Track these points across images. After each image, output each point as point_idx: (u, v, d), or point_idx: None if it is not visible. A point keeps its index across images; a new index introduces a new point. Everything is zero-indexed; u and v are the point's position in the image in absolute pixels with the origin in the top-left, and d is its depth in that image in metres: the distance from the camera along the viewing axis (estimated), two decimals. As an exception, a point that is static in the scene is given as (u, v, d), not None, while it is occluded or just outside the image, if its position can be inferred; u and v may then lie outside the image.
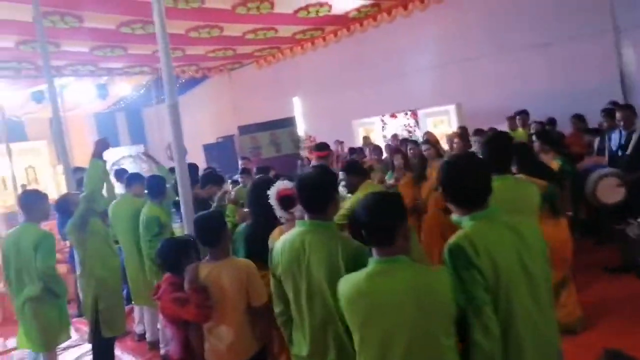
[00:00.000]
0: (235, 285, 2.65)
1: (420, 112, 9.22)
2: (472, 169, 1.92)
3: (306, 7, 9.23)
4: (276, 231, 3.00)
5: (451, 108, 8.68)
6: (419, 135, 9.13)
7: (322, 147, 6.69)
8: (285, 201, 2.93)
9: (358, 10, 10.03)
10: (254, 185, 3.41)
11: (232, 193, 4.23)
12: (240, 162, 7.98)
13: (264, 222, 3.13)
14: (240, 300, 2.67)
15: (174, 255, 2.82)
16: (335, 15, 10.03)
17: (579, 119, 6.65)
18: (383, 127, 9.85)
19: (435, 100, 9.40)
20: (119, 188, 6.07)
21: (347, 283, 1.85)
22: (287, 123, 13.13)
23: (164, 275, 2.94)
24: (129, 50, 10.18)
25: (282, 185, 2.97)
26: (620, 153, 4.82)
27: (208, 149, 13.35)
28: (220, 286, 2.67)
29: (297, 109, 12.80)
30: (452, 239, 1.84)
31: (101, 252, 4.31)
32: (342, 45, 11.50)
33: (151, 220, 4.71)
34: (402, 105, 9.79)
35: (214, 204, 4.11)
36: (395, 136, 8.86)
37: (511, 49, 8.71)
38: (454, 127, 8.39)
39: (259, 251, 2.94)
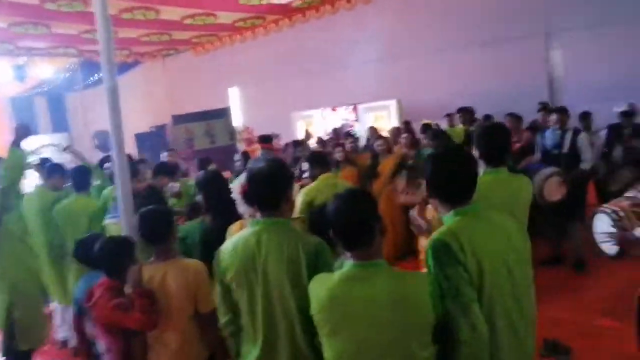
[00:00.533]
0: (182, 289, 2.43)
1: (360, 107, 9.24)
2: (459, 164, 1.84)
3: (249, -6, 8.96)
4: (236, 225, 2.78)
5: (392, 103, 8.77)
6: (359, 130, 9.18)
7: (268, 139, 6.53)
8: None
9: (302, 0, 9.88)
10: (212, 178, 3.17)
11: (177, 186, 3.96)
12: (164, 155, 7.15)
13: (223, 220, 2.90)
14: (188, 305, 2.45)
15: (115, 257, 2.56)
16: (278, 4, 9.79)
17: (515, 117, 6.88)
18: (323, 119, 9.79)
19: (375, 94, 9.48)
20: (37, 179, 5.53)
21: (320, 286, 1.71)
22: (223, 113, 12.73)
23: (100, 280, 2.65)
24: (53, 29, 9.39)
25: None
26: (556, 151, 5.11)
27: (140, 138, 12.65)
28: (166, 289, 2.44)
29: (235, 99, 12.45)
30: (435, 235, 1.74)
31: (17, 252, 3.89)
32: (283, 36, 11.29)
33: (98, 213, 4.29)
34: (342, 98, 9.78)
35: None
36: (336, 130, 8.81)
37: (450, 48, 8.94)
38: (393, 122, 8.49)
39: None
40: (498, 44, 8.42)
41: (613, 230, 2.74)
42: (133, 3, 8.63)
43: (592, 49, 7.84)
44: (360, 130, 9.03)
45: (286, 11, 10.59)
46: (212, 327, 2.38)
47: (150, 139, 12.79)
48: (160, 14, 9.37)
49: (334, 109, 9.57)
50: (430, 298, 1.62)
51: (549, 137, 5.20)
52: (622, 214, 2.66)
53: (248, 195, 2.65)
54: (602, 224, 3.93)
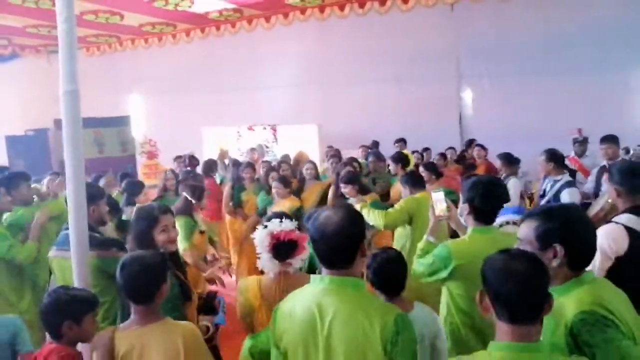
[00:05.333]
0: (170, 359, 1.91)
1: (279, 128, 9.00)
2: (591, 225, 1.70)
3: (166, -2, 8.30)
4: (252, 281, 2.28)
5: (312, 128, 8.67)
6: (276, 152, 8.92)
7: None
8: (285, 249, 2.20)
9: (220, 12, 9.43)
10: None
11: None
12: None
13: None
14: None
15: (57, 317, 2.02)
16: (194, 13, 9.24)
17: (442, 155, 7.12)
18: (238, 138, 9.34)
19: (293, 118, 9.32)
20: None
21: None
22: (118, 122, 11.63)
23: (46, 344, 2.07)
24: None
25: (278, 224, 2.22)
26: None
27: (13, 142, 11.00)
28: None
29: (136, 108, 11.40)
30: (579, 308, 1.53)
31: None
32: (193, 47, 10.67)
33: None
34: (258, 118, 9.46)
35: None
36: (253, 150, 8.44)
37: (369, 80, 9.14)
38: (314, 147, 8.38)
39: None
40: (415, 82, 8.79)
41: None
42: (27, -12, 7.53)
43: (494, 95, 8.57)
44: (277, 152, 8.79)
45: (200, 21, 10.05)
46: None
47: (26, 144, 11.18)
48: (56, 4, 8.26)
49: (250, 129, 9.18)
50: None
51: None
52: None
53: (283, 247, 2.17)
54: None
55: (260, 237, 2.23)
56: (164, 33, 10.76)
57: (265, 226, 2.26)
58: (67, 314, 2.04)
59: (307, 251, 2.26)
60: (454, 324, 2.41)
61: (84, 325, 2.06)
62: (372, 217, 3.81)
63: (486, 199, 2.39)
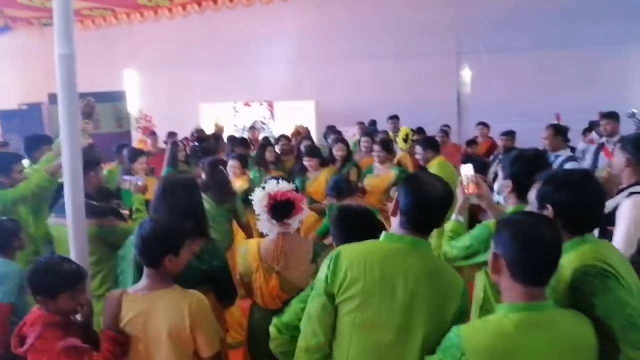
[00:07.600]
0: (174, 328, 1.89)
1: (276, 105, 8.94)
2: (597, 191, 1.70)
3: (161, -31, 8.15)
4: (253, 243, 2.28)
5: (310, 104, 8.61)
6: (272, 128, 8.87)
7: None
8: (282, 209, 2.22)
9: (218, -15, 9.28)
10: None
11: (140, 180, 3.26)
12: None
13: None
14: (182, 349, 1.92)
15: (32, 289, 1.99)
16: (191, -14, 9.10)
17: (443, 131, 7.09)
18: (234, 114, 9.28)
19: (290, 94, 9.25)
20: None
21: (484, 335, 1.38)
22: (112, 97, 11.46)
23: (33, 310, 2.03)
24: None
25: (275, 186, 2.24)
26: None
27: (6, 116, 10.87)
28: (154, 328, 1.89)
29: (131, 83, 11.27)
30: (581, 262, 1.56)
31: None
32: (189, 21, 10.50)
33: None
34: (255, 94, 9.38)
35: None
36: (253, 128, 8.36)
37: (367, 56, 9.05)
38: (310, 123, 8.33)
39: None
40: (414, 57, 8.71)
41: None
42: (19, -43, 7.36)
43: (493, 71, 8.50)
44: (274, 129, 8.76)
45: (197, -5, 9.89)
46: None
47: (20, 118, 11.06)
48: (50, -24, 8.10)
49: (247, 104, 9.10)
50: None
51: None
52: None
53: (279, 207, 2.19)
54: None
55: (258, 198, 2.26)
56: (160, 7, 10.54)
57: (263, 187, 2.29)
58: (38, 288, 2.00)
59: (304, 211, 2.27)
60: (491, 312, 2.24)
61: (59, 302, 1.98)
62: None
63: (533, 175, 2.08)
